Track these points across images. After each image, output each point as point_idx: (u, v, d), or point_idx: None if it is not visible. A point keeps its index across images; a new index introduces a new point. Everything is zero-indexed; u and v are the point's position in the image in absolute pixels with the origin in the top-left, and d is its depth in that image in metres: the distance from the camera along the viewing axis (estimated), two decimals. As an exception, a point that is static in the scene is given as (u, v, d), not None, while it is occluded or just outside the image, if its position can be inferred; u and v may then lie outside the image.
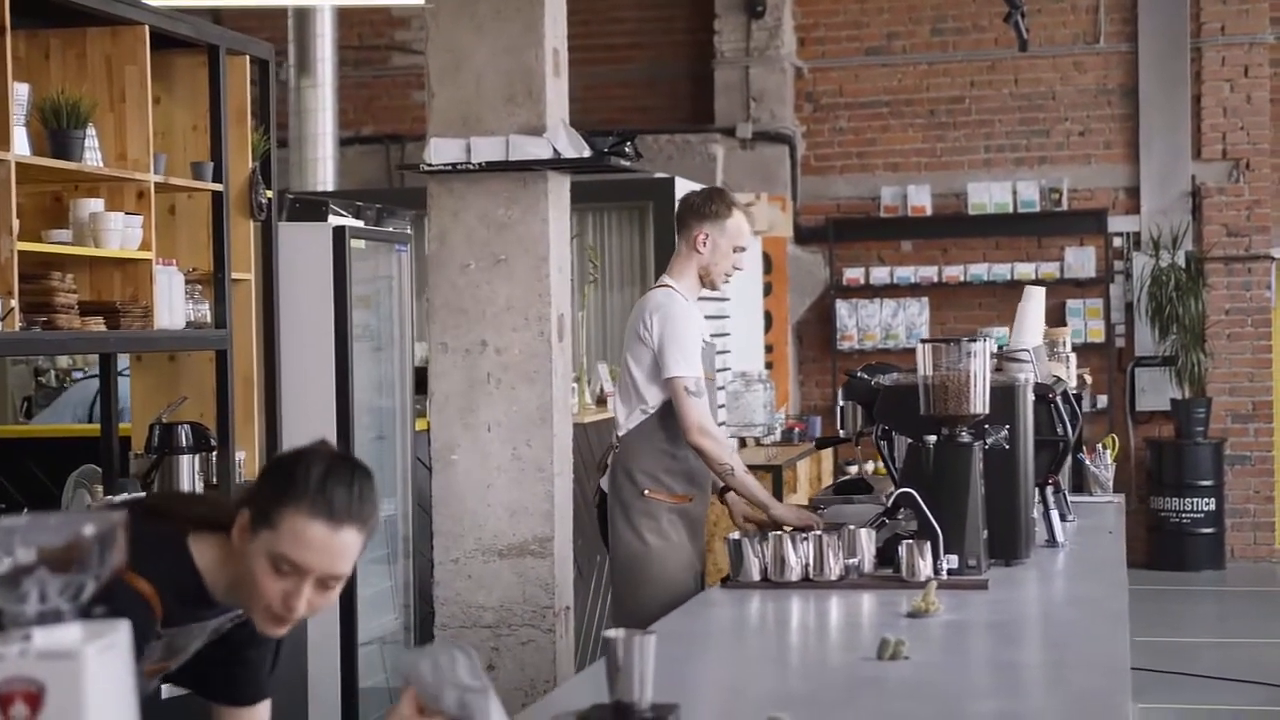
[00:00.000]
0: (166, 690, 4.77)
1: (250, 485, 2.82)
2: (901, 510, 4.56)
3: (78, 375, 8.63)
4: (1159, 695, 8.40)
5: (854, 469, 10.12)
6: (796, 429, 11.15)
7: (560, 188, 5.84)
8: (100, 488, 5.65)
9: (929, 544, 4.37)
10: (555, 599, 5.74)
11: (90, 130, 5.11)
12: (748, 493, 5.30)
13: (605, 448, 5.65)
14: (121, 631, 1.82)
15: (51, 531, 1.80)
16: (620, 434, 5.45)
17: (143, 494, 5.37)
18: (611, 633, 2.78)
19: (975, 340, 4.57)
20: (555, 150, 5.61)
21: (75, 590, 1.80)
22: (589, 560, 7.51)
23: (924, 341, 4.61)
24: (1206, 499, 12.54)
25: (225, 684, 3.00)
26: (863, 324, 13.23)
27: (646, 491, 5.37)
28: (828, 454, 11.28)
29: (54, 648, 1.78)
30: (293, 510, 2.67)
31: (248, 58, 6.08)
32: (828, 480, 10.57)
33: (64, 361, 9.01)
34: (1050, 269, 12.93)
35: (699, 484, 5.43)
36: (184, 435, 5.63)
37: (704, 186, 6.13)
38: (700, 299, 8.51)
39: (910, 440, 4.68)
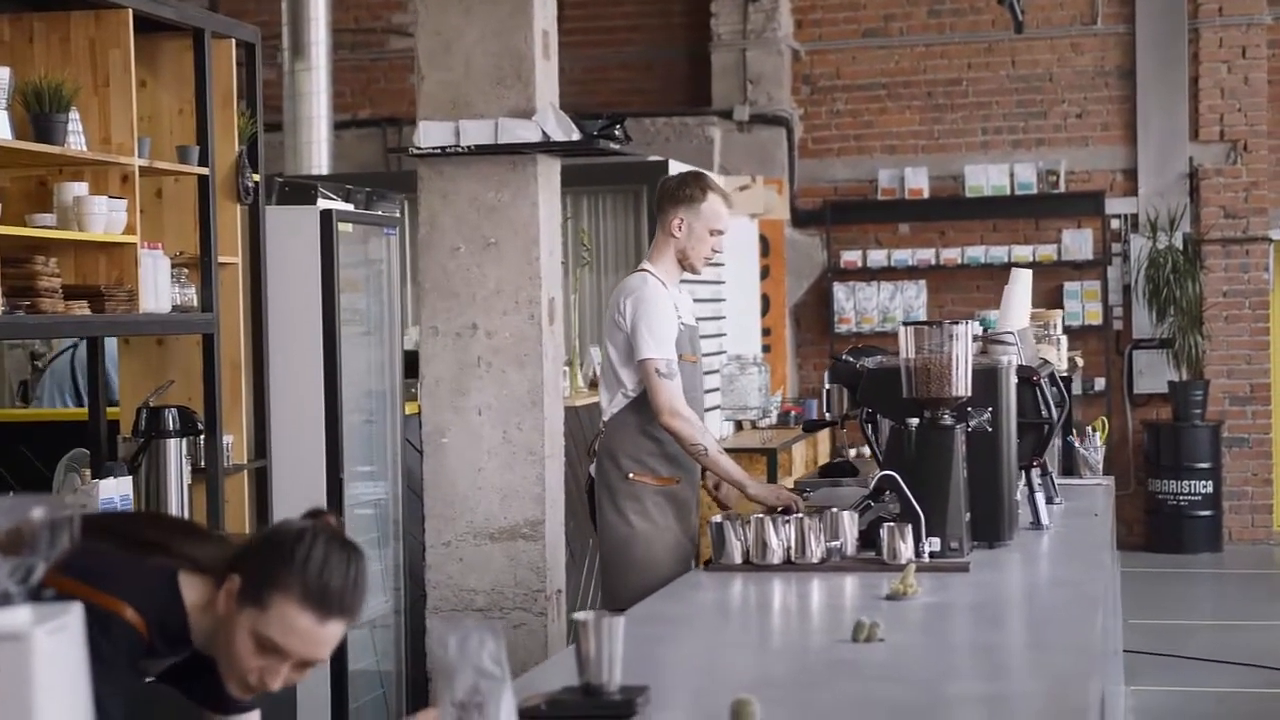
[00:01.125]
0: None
1: (245, 547, 2.81)
2: (886, 493, 4.56)
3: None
4: (1154, 678, 8.40)
5: (852, 452, 10.12)
6: (793, 412, 11.14)
7: (550, 171, 5.84)
8: (89, 471, 5.65)
9: (910, 527, 4.37)
10: (547, 582, 5.75)
11: (73, 114, 5.10)
12: (722, 473, 5.31)
13: (595, 434, 5.66)
14: (73, 614, 1.82)
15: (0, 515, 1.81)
16: (604, 419, 5.46)
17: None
18: (580, 615, 2.80)
19: (958, 323, 4.57)
20: (544, 133, 5.61)
21: (24, 573, 1.80)
22: (581, 543, 7.51)
23: (906, 324, 4.61)
24: (1204, 481, 12.54)
25: (214, 692, 2.99)
26: (860, 307, 13.23)
27: (631, 475, 5.37)
28: (824, 437, 11.28)
29: (3, 630, 1.78)
30: (284, 596, 2.68)
31: (233, 41, 6.07)
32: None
33: (60, 345, 9.00)
34: (1048, 251, 12.92)
35: (684, 466, 5.43)
36: (171, 419, 5.62)
37: (684, 170, 6.13)
38: (698, 282, 8.50)
39: (893, 423, 4.68)
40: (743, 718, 2.72)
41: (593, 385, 8.46)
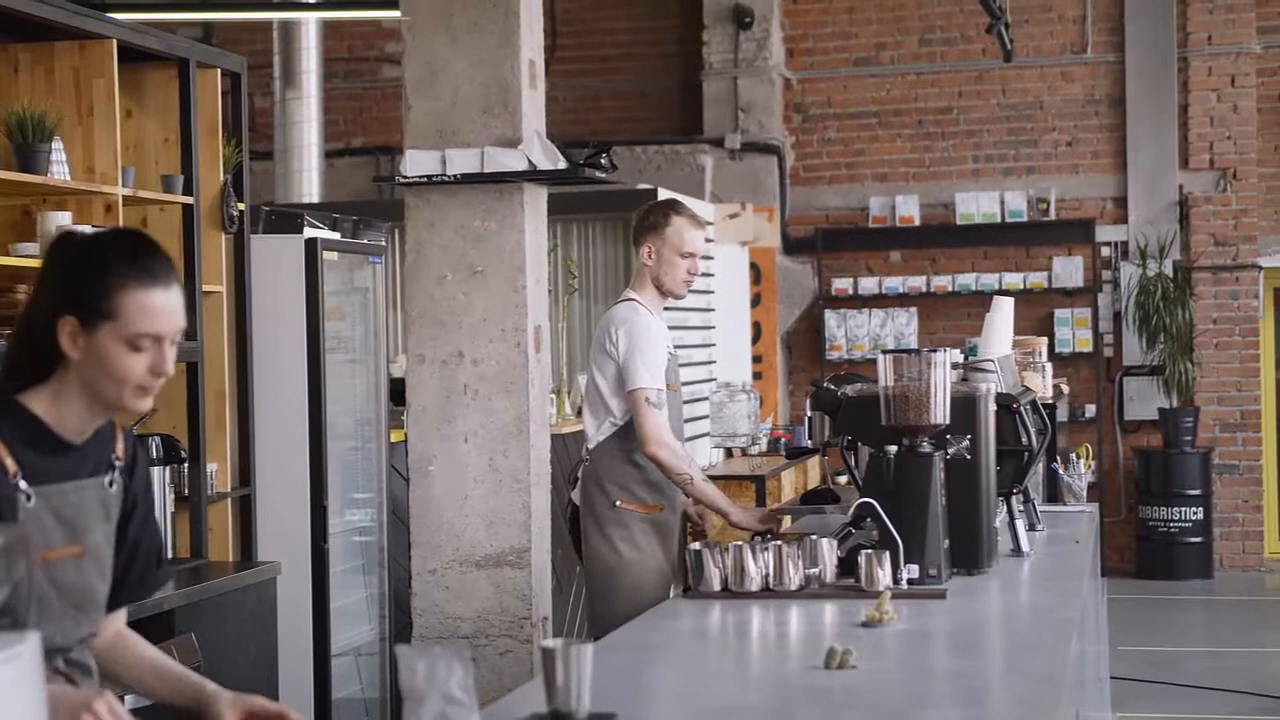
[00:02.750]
0: (131, 700, 4.79)
1: (49, 297, 2.86)
2: (866, 520, 4.56)
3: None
4: (1144, 705, 8.41)
5: (844, 479, 10.11)
6: (783, 439, 11.14)
7: (536, 199, 5.85)
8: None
9: (889, 554, 4.38)
10: (533, 610, 5.75)
11: (57, 143, 5.13)
12: (708, 501, 5.34)
13: (575, 461, 5.68)
14: (28, 644, 1.83)
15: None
16: (590, 446, 5.49)
17: None
18: (548, 643, 2.80)
19: (936, 351, 4.58)
20: (530, 162, 5.62)
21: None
22: (568, 571, 7.51)
23: (885, 352, 4.62)
24: (1194, 508, 12.54)
25: (134, 583, 3.09)
26: (851, 334, 13.24)
27: (618, 503, 5.41)
28: (814, 464, 11.28)
29: (-42, 659, 1.79)
30: (128, 292, 2.80)
31: (219, 71, 6.09)
32: (815, 491, 10.54)
33: None
34: (1038, 279, 12.95)
35: (668, 494, 5.46)
36: (155, 447, 5.63)
37: (663, 199, 6.17)
38: (687, 309, 8.50)
39: (872, 450, 4.69)
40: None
41: (579, 413, 8.48)
